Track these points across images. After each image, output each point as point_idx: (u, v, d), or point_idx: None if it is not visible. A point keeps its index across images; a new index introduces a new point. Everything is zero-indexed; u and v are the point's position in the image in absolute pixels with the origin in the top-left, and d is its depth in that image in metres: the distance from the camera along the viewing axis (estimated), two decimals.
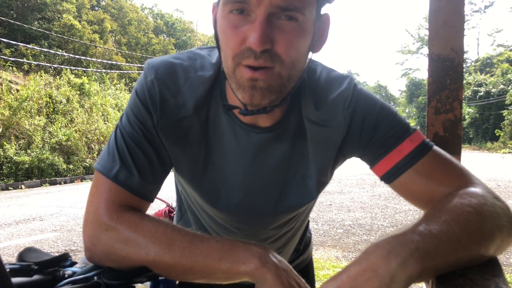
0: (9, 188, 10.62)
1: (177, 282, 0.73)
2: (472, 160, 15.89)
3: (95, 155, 14.08)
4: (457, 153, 1.00)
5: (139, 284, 0.62)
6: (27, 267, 0.57)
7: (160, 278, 0.64)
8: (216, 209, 0.80)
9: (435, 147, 0.73)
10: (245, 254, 0.60)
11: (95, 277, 0.60)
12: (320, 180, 0.79)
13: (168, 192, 1.75)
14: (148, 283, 0.66)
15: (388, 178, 0.74)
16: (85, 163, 13.47)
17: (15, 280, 0.55)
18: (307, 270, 1.12)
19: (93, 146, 14.24)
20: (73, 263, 0.67)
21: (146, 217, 0.66)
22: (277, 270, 0.59)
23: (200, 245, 0.61)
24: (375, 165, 0.76)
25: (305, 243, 1.09)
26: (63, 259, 0.64)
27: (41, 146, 12.44)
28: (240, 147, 0.75)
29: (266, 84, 0.62)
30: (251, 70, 0.62)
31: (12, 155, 11.39)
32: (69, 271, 0.62)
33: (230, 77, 0.65)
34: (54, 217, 6.25)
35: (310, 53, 0.69)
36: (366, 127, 0.74)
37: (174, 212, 1.12)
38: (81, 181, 12.48)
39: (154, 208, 1.55)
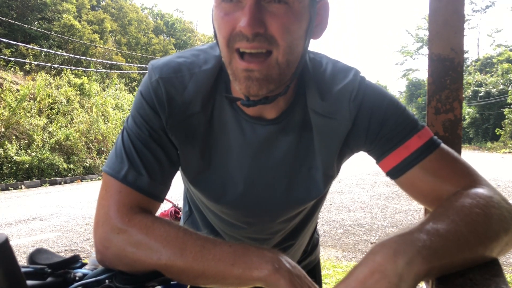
0: (9, 188, 10.58)
1: (188, 286, 0.72)
2: (472, 159, 15.85)
3: (95, 155, 14.06)
4: (457, 153, 1.01)
5: None
6: (41, 270, 0.57)
7: (171, 282, 0.64)
8: (222, 204, 0.79)
9: (443, 145, 0.73)
10: (258, 260, 0.58)
11: (107, 281, 0.60)
12: (326, 173, 0.78)
13: (170, 194, 1.75)
14: (159, 287, 0.65)
15: (394, 174, 0.73)
16: (85, 163, 13.43)
17: (28, 282, 0.54)
18: (314, 272, 1.11)
19: (92, 146, 14.22)
20: (82, 265, 0.66)
21: (157, 220, 0.65)
22: (290, 276, 0.57)
23: (212, 250, 0.60)
24: (382, 160, 0.74)
25: (312, 244, 1.08)
26: (74, 261, 0.63)
27: (41, 146, 12.42)
28: (245, 140, 0.74)
29: (262, 74, 0.61)
30: (246, 61, 0.61)
31: (12, 155, 11.37)
32: (79, 273, 0.62)
33: (228, 68, 0.65)
34: (54, 217, 6.25)
35: (310, 39, 0.67)
36: (374, 122, 0.72)
37: (181, 213, 1.12)
38: (81, 181, 12.45)
39: (159, 208, 1.55)
